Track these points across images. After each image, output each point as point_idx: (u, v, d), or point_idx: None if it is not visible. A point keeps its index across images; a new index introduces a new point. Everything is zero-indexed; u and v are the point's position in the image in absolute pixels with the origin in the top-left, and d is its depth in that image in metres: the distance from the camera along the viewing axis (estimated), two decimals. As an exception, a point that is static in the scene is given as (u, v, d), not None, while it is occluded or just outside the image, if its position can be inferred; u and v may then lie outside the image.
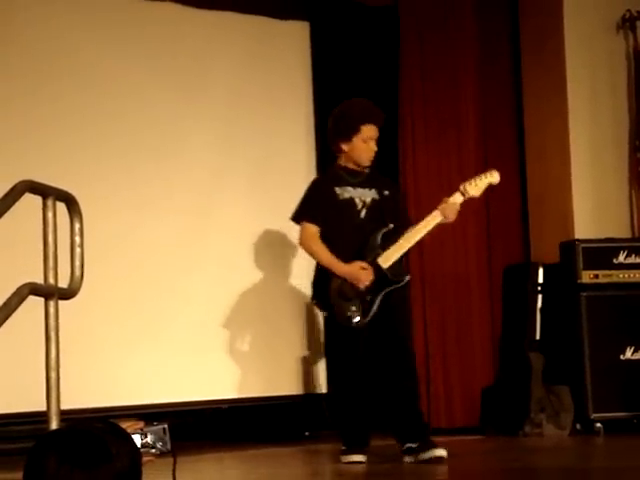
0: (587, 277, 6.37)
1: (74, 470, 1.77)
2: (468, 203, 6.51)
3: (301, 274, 6.79)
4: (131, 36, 6.43)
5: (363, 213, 5.23)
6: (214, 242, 6.58)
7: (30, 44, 6.08)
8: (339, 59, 7.02)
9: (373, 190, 5.27)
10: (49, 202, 3.75)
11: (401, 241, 5.18)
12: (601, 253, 6.41)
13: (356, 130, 5.22)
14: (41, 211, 3.76)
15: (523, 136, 7.14)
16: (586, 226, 6.77)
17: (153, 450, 2.20)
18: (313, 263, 5.38)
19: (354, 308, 5.12)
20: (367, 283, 5.10)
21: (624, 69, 7.04)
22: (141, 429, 2.20)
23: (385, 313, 5.14)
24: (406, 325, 5.41)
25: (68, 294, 3.83)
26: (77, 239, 3.85)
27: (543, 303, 6.63)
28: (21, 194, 3.69)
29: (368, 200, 5.24)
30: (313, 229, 5.22)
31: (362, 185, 5.27)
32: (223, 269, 6.55)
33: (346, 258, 5.15)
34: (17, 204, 3.68)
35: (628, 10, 6.98)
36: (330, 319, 5.27)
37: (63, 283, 3.81)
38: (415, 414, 5.21)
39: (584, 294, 6.35)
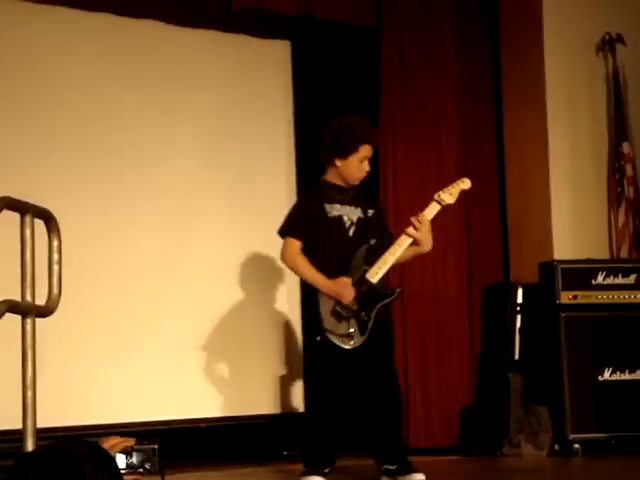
0: (566, 298, 6.37)
1: (49, 493, 1.76)
2: (448, 224, 6.54)
3: (280, 292, 6.78)
4: (110, 52, 6.41)
5: (352, 231, 5.17)
6: (193, 262, 6.56)
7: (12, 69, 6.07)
8: (320, 78, 7.03)
9: (359, 209, 5.22)
10: (27, 219, 3.72)
11: (385, 256, 5.13)
12: (580, 274, 6.42)
13: (354, 149, 5.14)
14: (19, 228, 3.73)
15: (503, 157, 7.16)
16: (565, 247, 6.78)
17: (141, 470, 2.18)
18: (292, 281, 5.35)
19: (351, 329, 5.02)
20: (350, 299, 5.03)
21: (603, 90, 7.07)
22: (131, 447, 2.17)
23: (373, 331, 5.07)
24: (391, 346, 5.33)
25: (45, 312, 3.80)
26: (55, 256, 3.82)
27: (522, 323, 6.63)
28: (-1, 211, 3.66)
29: (355, 219, 5.19)
30: (297, 245, 5.14)
31: (349, 203, 5.21)
32: (202, 288, 6.53)
33: (334, 275, 5.08)
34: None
35: (607, 32, 7.03)
36: (320, 341, 5.04)
37: (40, 301, 3.79)
38: (395, 436, 5.18)
39: (563, 315, 6.35)
